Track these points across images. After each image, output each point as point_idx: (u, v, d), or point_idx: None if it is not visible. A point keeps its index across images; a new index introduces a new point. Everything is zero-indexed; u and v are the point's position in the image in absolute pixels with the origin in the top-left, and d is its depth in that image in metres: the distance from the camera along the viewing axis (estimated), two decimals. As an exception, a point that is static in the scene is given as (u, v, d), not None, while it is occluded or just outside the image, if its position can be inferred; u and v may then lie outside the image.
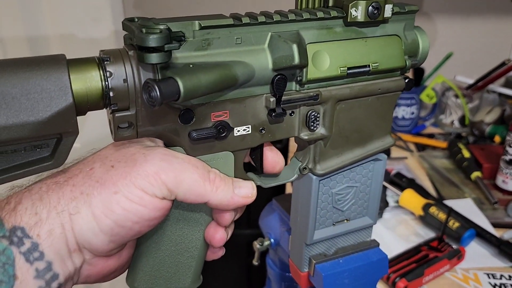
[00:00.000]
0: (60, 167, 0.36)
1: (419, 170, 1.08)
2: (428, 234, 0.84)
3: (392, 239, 0.83)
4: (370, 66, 0.42)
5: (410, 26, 0.44)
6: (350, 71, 0.41)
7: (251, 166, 0.45)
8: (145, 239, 0.41)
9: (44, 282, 0.33)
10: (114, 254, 0.39)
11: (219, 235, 0.42)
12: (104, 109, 0.36)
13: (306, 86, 0.40)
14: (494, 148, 1.10)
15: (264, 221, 0.67)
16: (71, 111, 0.32)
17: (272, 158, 0.43)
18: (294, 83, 0.40)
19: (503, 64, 1.18)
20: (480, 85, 1.24)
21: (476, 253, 0.79)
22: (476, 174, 1.01)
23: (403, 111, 1.25)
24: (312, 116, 0.42)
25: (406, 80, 0.45)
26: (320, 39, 0.40)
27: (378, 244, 0.52)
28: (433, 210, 0.84)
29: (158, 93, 0.31)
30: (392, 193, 0.94)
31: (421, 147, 1.20)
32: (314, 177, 0.45)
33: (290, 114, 0.41)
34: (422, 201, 0.87)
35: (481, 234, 0.81)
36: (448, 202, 0.91)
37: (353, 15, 0.40)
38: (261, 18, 0.37)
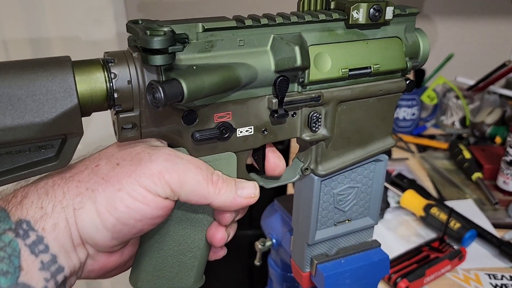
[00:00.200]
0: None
1: (420, 171, 1.09)
2: (429, 234, 0.85)
3: (393, 239, 0.84)
4: (371, 67, 0.42)
5: (411, 28, 0.45)
6: (351, 72, 0.41)
7: (254, 167, 0.46)
8: (148, 238, 0.41)
9: (49, 274, 0.34)
10: (117, 251, 0.40)
11: (220, 235, 0.42)
12: (108, 110, 0.36)
13: (308, 87, 0.40)
14: (495, 149, 1.11)
15: (265, 222, 0.67)
16: (76, 112, 0.33)
17: (273, 160, 0.44)
18: (296, 84, 0.40)
19: (503, 65, 1.18)
20: (481, 86, 1.24)
21: (477, 254, 0.80)
22: (477, 175, 1.01)
23: (404, 112, 1.25)
24: (314, 117, 0.42)
25: (407, 82, 0.45)
26: (322, 41, 0.40)
27: (379, 245, 0.52)
28: (434, 210, 0.84)
29: (162, 95, 0.31)
30: (393, 193, 0.94)
31: (422, 148, 1.20)
32: (316, 177, 0.45)
33: (292, 115, 0.42)
34: (423, 201, 0.87)
35: (482, 235, 0.81)
36: (449, 203, 0.91)
37: (355, 17, 0.40)
38: (264, 21, 0.38)
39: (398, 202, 0.91)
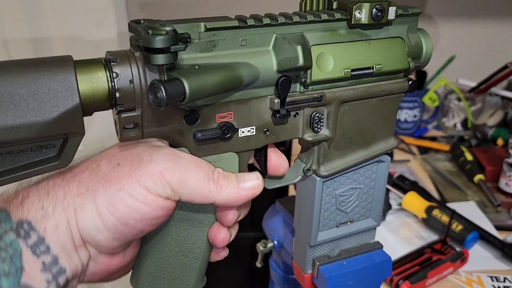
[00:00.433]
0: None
1: (422, 172, 1.08)
2: (431, 236, 0.84)
3: (395, 241, 0.83)
4: (374, 68, 0.42)
5: (413, 28, 0.44)
6: (353, 72, 0.41)
7: (255, 167, 0.46)
8: (149, 239, 0.41)
9: (51, 275, 0.34)
10: (119, 253, 0.40)
11: (222, 235, 0.42)
12: (110, 110, 0.36)
13: (310, 87, 0.40)
14: (497, 151, 1.10)
15: (267, 223, 0.67)
16: (78, 111, 0.33)
17: (276, 160, 0.44)
18: (298, 84, 0.40)
19: (505, 67, 1.18)
20: (483, 88, 1.24)
21: (480, 256, 0.79)
22: (479, 177, 1.01)
23: (406, 114, 1.25)
24: (316, 118, 0.42)
25: (410, 82, 0.45)
26: (324, 41, 0.40)
27: (381, 246, 0.52)
28: (436, 212, 0.84)
29: (164, 94, 0.31)
30: (395, 195, 0.94)
31: (423, 150, 1.20)
32: (318, 178, 0.45)
33: (294, 116, 0.41)
34: (425, 203, 0.87)
35: (484, 237, 0.81)
36: (451, 205, 0.91)
37: (357, 17, 0.40)
38: (266, 20, 0.38)
39: (400, 204, 0.91)
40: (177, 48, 0.33)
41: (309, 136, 0.43)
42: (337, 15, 0.40)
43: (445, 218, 0.82)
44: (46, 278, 0.33)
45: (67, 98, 0.32)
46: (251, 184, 0.40)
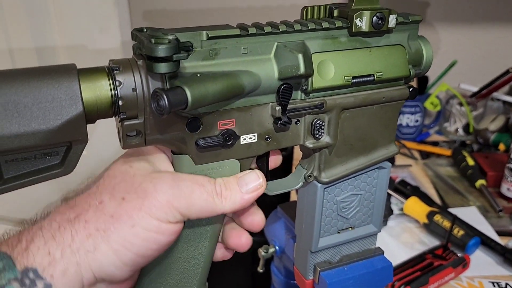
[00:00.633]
0: (63, 201, 0.37)
1: (424, 177, 1.08)
2: (432, 242, 0.84)
3: (397, 247, 0.83)
4: (374, 75, 0.42)
5: (414, 35, 0.45)
6: (354, 80, 0.41)
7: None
8: None
9: None
10: (130, 277, 0.40)
11: (244, 238, 0.44)
12: (113, 118, 0.36)
13: (311, 95, 0.41)
14: (499, 156, 1.10)
15: (269, 229, 0.67)
16: (81, 119, 0.33)
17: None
18: (299, 92, 0.41)
19: (507, 72, 1.18)
20: (484, 93, 1.24)
21: (481, 261, 0.79)
22: (480, 182, 1.01)
23: (407, 119, 1.25)
24: (317, 125, 0.42)
25: (410, 89, 0.45)
26: (325, 49, 0.40)
27: (382, 252, 0.52)
28: (437, 218, 0.84)
29: (166, 102, 0.32)
30: (396, 200, 0.94)
31: (425, 155, 1.20)
32: (319, 184, 0.45)
33: (296, 123, 0.42)
34: (426, 209, 0.87)
35: (486, 242, 0.81)
36: (453, 210, 0.91)
37: (358, 25, 0.40)
38: (267, 29, 0.38)
39: (401, 209, 0.91)
40: (179, 57, 0.33)
41: (310, 143, 0.43)
42: (338, 23, 0.40)
43: (446, 224, 0.82)
44: None
45: (71, 107, 0.32)
46: (254, 186, 0.40)
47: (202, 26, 0.37)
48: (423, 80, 1.30)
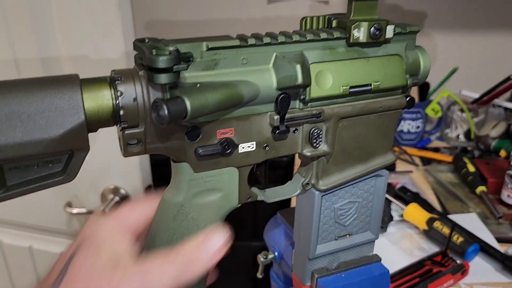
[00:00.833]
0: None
1: (424, 184, 1.09)
2: (432, 248, 0.85)
3: (396, 253, 0.84)
4: (372, 85, 0.43)
5: (411, 45, 0.45)
6: (352, 90, 0.42)
7: (256, 180, 0.47)
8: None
9: None
10: None
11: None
12: (114, 126, 0.37)
13: (309, 104, 0.41)
14: (499, 163, 1.11)
15: (268, 235, 0.68)
16: (83, 128, 0.34)
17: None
18: (297, 101, 0.41)
19: (508, 78, 1.18)
20: (486, 99, 1.24)
21: (480, 268, 0.80)
22: (481, 189, 1.01)
23: (409, 125, 1.25)
24: (315, 133, 0.43)
25: (408, 99, 0.46)
26: (323, 59, 0.41)
27: (380, 259, 0.53)
28: (437, 224, 0.84)
29: (166, 112, 0.32)
30: (396, 207, 0.95)
31: (426, 161, 1.20)
32: (317, 192, 0.45)
33: (294, 131, 0.42)
34: (426, 215, 0.87)
35: (485, 249, 0.81)
36: (453, 217, 0.91)
37: (355, 36, 0.41)
38: (266, 39, 0.39)
39: (402, 216, 0.92)
40: (179, 67, 0.34)
41: (308, 152, 0.43)
42: (336, 34, 0.41)
43: (446, 230, 0.82)
44: None
45: (73, 116, 0.33)
46: (220, 246, 0.40)
47: (202, 37, 0.38)
48: (424, 87, 1.31)
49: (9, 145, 0.32)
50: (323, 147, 0.44)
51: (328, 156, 0.44)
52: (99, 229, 0.40)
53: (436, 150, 1.26)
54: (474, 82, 1.33)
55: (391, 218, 0.92)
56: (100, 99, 0.34)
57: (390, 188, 1.00)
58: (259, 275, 0.70)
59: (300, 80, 0.39)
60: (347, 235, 0.50)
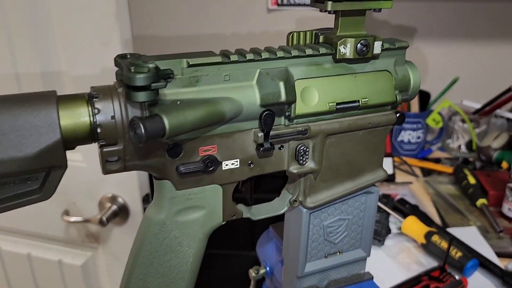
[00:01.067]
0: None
1: (424, 195, 1.07)
2: (430, 263, 0.83)
3: (393, 267, 0.82)
4: (359, 101, 0.42)
5: (401, 61, 0.45)
6: (339, 106, 0.41)
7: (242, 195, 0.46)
8: (133, 270, 0.41)
9: None
10: None
11: None
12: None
13: (294, 121, 0.41)
14: (501, 175, 1.09)
15: (260, 249, 0.67)
16: (59, 146, 0.33)
17: None
18: (283, 118, 0.40)
19: (510, 89, 1.17)
20: (488, 109, 1.23)
21: (479, 284, 0.78)
22: (481, 201, 1.00)
23: (409, 135, 1.24)
24: (301, 150, 0.42)
25: (397, 115, 0.45)
26: (309, 75, 0.40)
27: (372, 277, 0.51)
28: (435, 238, 0.83)
29: (143, 131, 0.32)
30: (395, 219, 0.93)
31: (426, 172, 1.18)
32: (304, 210, 0.45)
33: (279, 148, 0.42)
34: (424, 228, 0.86)
35: (485, 264, 0.80)
36: (452, 230, 0.90)
37: (342, 52, 0.40)
38: (250, 56, 0.38)
39: (400, 228, 0.90)
40: (157, 85, 0.33)
41: (294, 169, 0.43)
42: (322, 50, 0.40)
43: (444, 244, 0.81)
44: None
45: (49, 134, 0.33)
46: None
47: (183, 53, 0.37)
48: (425, 97, 1.29)
49: None
50: (310, 164, 0.43)
51: (315, 173, 0.43)
52: None
53: (437, 160, 1.25)
54: (476, 92, 1.31)
55: (389, 230, 0.90)
56: (77, 117, 0.34)
57: (388, 200, 0.99)
58: (251, 290, 0.69)
59: (283, 97, 0.38)
60: (338, 253, 0.49)
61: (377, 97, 0.43)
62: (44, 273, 1.16)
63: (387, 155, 1.16)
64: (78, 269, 1.11)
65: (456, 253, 0.79)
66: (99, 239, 1.09)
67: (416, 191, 1.09)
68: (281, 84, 0.38)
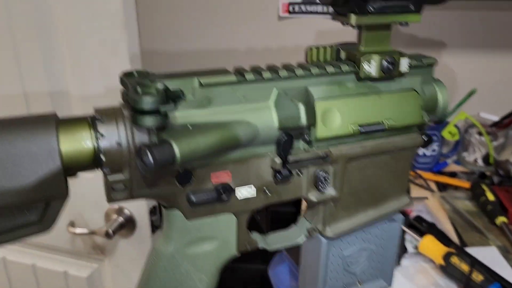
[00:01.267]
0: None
1: (440, 212, 1.03)
2: (449, 285, 0.79)
3: (411, 290, 0.78)
4: (384, 123, 0.39)
5: (428, 79, 0.41)
6: (362, 129, 0.38)
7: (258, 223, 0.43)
8: None
9: None
10: None
11: None
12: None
13: (314, 145, 0.37)
14: (521, 191, 1.05)
15: (273, 272, 0.64)
16: (59, 175, 0.30)
17: None
18: (301, 141, 0.37)
19: (529, 102, 1.13)
20: (506, 122, 1.19)
21: (502, 309, 0.74)
22: (501, 219, 0.95)
23: (424, 148, 1.20)
24: (321, 177, 0.39)
25: (424, 137, 0.41)
26: (330, 95, 0.37)
27: (393, 308, 0.48)
28: (454, 260, 0.79)
29: (151, 160, 0.29)
30: (411, 238, 0.89)
31: (442, 187, 1.14)
32: (324, 240, 0.41)
33: (298, 174, 0.38)
34: (443, 249, 0.82)
35: (507, 288, 0.76)
36: (471, 250, 0.86)
37: (366, 71, 0.37)
38: (266, 74, 0.35)
39: (416, 247, 0.86)
40: (166, 108, 0.30)
41: (313, 196, 0.39)
42: (345, 68, 0.37)
43: (464, 267, 0.77)
44: None
45: (48, 162, 0.30)
46: None
47: (195, 71, 0.34)
48: (440, 108, 1.26)
49: None
50: (330, 191, 0.40)
51: (336, 200, 0.40)
52: None
53: (453, 174, 1.21)
54: (494, 105, 1.27)
55: (405, 250, 0.86)
56: (78, 142, 0.31)
57: (404, 216, 0.95)
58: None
59: (303, 121, 0.35)
60: (357, 282, 0.46)
61: (404, 118, 0.40)
62: (49, 284, 1.14)
63: (402, 169, 1.12)
64: (83, 281, 1.09)
65: (477, 276, 0.75)
66: (105, 251, 1.07)
67: (432, 206, 1.05)
68: (301, 106, 0.35)
